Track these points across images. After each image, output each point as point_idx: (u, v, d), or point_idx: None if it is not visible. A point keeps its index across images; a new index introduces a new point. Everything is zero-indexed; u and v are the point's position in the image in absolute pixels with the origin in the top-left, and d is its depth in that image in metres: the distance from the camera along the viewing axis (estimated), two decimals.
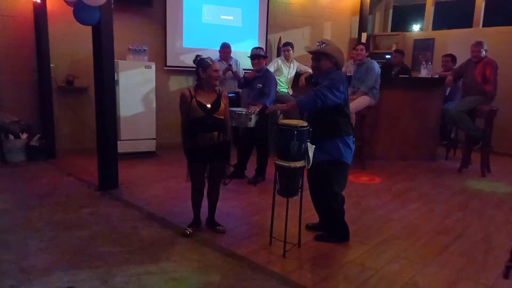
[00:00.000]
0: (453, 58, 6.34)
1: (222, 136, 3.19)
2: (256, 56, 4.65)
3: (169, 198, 4.11)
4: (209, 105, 3.13)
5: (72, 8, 3.93)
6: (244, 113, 4.36)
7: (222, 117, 3.20)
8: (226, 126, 3.25)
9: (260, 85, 4.61)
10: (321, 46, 3.08)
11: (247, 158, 4.86)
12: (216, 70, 3.17)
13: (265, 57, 4.77)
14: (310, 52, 3.17)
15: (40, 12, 5.37)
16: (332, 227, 3.23)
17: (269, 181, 3.89)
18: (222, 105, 3.19)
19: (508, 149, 6.61)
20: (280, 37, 7.38)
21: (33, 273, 2.63)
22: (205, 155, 3.16)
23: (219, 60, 5.91)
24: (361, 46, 5.60)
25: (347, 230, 3.22)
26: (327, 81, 2.98)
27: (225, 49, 6.07)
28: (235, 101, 5.75)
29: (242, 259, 2.89)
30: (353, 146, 3.13)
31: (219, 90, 3.26)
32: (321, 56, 3.08)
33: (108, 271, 2.68)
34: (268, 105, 4.49)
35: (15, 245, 3.02)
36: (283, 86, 5.96)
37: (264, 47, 7.27)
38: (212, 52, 6.59)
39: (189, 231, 3.26)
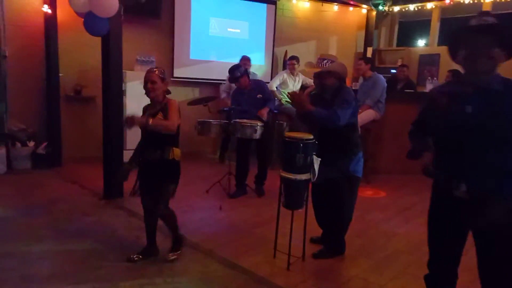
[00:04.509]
0: (454, 73, 6.30)
1: (160, 153, 2.83)
2: (236, 79, 4.59)
3: (174, 207, 4.07)
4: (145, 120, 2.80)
5: (82, 18, 4.00)
6: (249, 124, 4.36)
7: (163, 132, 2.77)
8: (166, 142, 2.83)
9: (260, 95, 4.67)
10: (327, 63, 3.04)
11: (247, 171, 4.71)
12: (146, 82, 2.84)
13: (245, 73, 4.62)
14: (318, 73, 3.07)
15: (50, 22, 5.47)
16: (331, 242, 3.20)
17: (274, 193, 3.89)
18: (159, 116, 2.81)
19: None
20: (286, 50, 7.44)
21: (34, 282, 2.63)
22: (142, 171, 2.96)
23: None
24: (359, 61, 5.59)
25: (344, 243, 3.20)
26: (342, 101, 2.91)
27: (245, 61, 5.87)
28: None
29: (245, 271, 2.87)
30: (362, 159, 3.12)
31: (165, 102, 2.89)
32: (327, 74, 3.03)
33: (111, 280, 2.67)
34: (272, 108, 4.71)
35: (17, 252, 3.02)
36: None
37: (270, 60, 7.35)
38: (218, 64, 6.70)
39: (134, 257, 2.95)
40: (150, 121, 2.70)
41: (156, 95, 2.85)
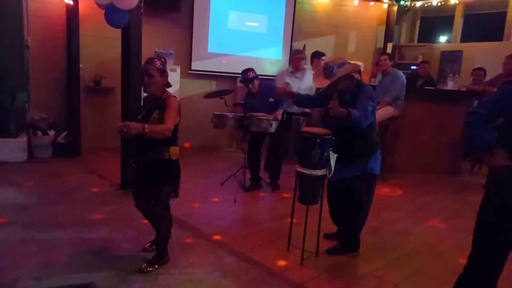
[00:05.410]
0: (485, 73, 6.19)
1: (155, 153, 2.62)
2: (248, 80, 4.60)
3: (189, 200, 4.14)
4: (139, 116, 2.62)
5: (104, 10, 4.05)
6: (265, 118, 4.37)
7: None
8: (162, 141, 2.58)
9: (272, 99, 4.63)
10: (334, 71, 2.88)
11: (259, 164, 4.77)
12: (142, 75, 2.61)
13: (256, 77, 4.66)
14: (330, 85, 2.93)
15: (72, 14, 5.55)
16: (346, 239, 3.19)
17: (289, 187, 3.89)
18: (155, 115, 2.57)
19: None
20: (305, 44, 7.38)
21: (55, 267, 2.69)
22: (137, 172, 2.72)
23: (290, 72, 5.35)
24: (384, 57, 5.49)
25: (359, 241, 3.19)
26: (366, 99, 2.84)
27: (298, 55, 5.39)
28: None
29: (259, 265, 2.89)
30: (380, 156, 3.08)
31: (164, 97, 2.63)
32: (338, 81, 2.91)
33: (127, 269, 2.72)
34: (286, 109, 4.67)
35: (39, 239, 3.10)
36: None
37: (288, 55, 7.30)
38: (235, 57, 6.71)
39: (149, 247, 2.98)
40: (147, 129, 2.42)
41: (152, 90, 2.61)
